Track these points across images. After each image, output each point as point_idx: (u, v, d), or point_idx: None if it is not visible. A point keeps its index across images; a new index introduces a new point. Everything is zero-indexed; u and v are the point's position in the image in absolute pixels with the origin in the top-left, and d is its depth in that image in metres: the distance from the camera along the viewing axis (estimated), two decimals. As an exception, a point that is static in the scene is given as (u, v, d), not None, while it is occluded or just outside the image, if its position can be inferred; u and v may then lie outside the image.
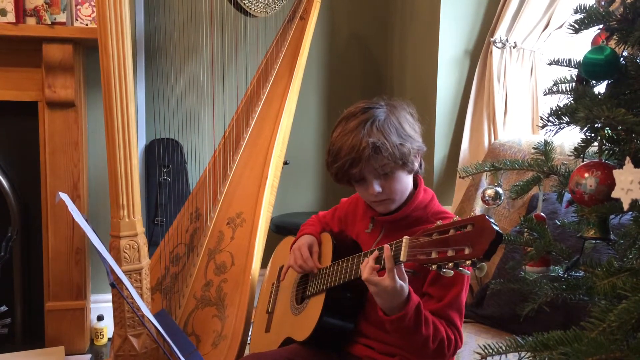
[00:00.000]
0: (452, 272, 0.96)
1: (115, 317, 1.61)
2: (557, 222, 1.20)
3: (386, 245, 1.09)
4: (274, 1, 2.15)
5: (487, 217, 0.91)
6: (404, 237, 1.06)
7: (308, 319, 1.32)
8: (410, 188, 1.28)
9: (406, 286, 1.10)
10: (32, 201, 2.36)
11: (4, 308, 2.19)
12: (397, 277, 1.08)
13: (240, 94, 2.27)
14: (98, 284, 2.51)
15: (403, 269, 1.10)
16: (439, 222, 1.00)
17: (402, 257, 1.04)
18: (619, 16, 0.87)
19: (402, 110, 1.26)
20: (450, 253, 0.94)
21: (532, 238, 1.05)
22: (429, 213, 1.28)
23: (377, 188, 1.21)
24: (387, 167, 1.20)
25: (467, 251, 0.91)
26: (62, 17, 2.15)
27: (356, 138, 1.18)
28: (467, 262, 0.92)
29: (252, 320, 1.70)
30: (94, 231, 1.28)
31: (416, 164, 1.26)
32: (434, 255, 0.97)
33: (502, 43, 2.13)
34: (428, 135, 2.21)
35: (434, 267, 0.97)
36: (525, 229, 1.07)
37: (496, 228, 0.89)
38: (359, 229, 1.37)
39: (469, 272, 0.98)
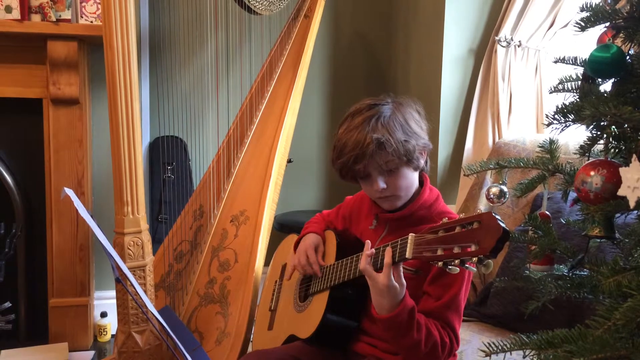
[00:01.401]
0: (458, 269, 0.96)
1: (118, 313, 1.62)
2: (562, 220, 1.20)
3: (389, 247, 1.09)
4: (279, -1, 2.15)
5: (493, 214, 0.90)
6: (410, 234, 1.05)
7: (311, 316, 1.32)
8: (415, 185, 1.28)
9: (402, 290, 1.11)
10: (36, 198, 2.37)
11: (8, 304, 2.20)
12: (391, 276, 1.08)
13: (244, 91, 2.27)
14: (102, 281, 2.51)
15: (401, 273, 1.11)
16: (445, 219, 1.00)
17: (408, 254, 1.04)
18: (625, 14, 0.87)
19: (409, 107, 1.26)
20: (456, 250, 0.94)
21: (537, 236, 1.05)
22: (433, 212, 1.27)
23: (382, 184, 1.21)
24: (392, 164, 1.20)
25: (473, 248, 0.91)
26: (67, 14, 2.16)
27: (361, 134, 1.18)
28: (473, 259, 0.92)
29: (255, 318, 1.70)
30: (99, 227, 1.28)
31: (422, 161, 1.25)
32: (439, 252, 0.97)
33: (507, 42, 2.13)
34: (432, 134, 2.19)
35: (440, 264, 0.97)
36: (530, 227, 1.07)
37: (503, 225, 0.89)
38: (364, 227, 1.37)
39: (474, 269, 0.98)
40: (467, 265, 0.95)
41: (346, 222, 1.45)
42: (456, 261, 0.95)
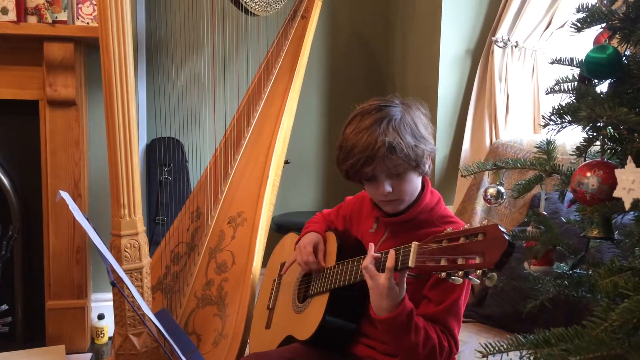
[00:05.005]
0: (461, 280, 0.95)
1: (115, 316, 1.61)
2: (562, 219, 1.20)
3: (391, 250, 1.09)
4: (275, 0, 2.15)
5: (499, 226, 0.89)
6: (413, 242, 1.05)
7: (310, 318, 1.32)
8: (418, 189, 1.27)
9: (402, 293, 1.10)
10: (33, 200, 2.36)
11: (4, 307, 2.19)
12: (392, 279, 1.08)
13: (242, 93, 2.27)
14: (99, 283, 2.51)
15: (404, 277, 1.10)
16: (449, 229, 0.99)
17: (411, 263, 1.03)
18: (621, 15, 0.87)
19: (417, 111, 1.24)
20: (460, 261, 0.93)
21: (538, 231, 1.05)
22: (434, 216, 1.27)
23: (388, 188, 1.20)
24: (400, 168, 1.19)
25: (477, 260, 0.90)
26: (63, 16, 2.15)
27: (372, 136, 1.16)
28: (477, 271, 0.91)
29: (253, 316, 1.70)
30: (95, 230, 1.28)
31: (427, 166, 1.24)
32: (443, 262, 0.96)
33: (504, 42, 2.13)
34: (429, 135, 2.21)
35: (443, 274, 0.96)
36: (532, 223, 1.07)
37: (508, 238, 0.88)
38: (364, 229, 1.36)
39: (477, 281, 0.96)
40: (470, 277, 0.94)
41: (346, 223, 1.45)
42: (459, 272, 0.93)
